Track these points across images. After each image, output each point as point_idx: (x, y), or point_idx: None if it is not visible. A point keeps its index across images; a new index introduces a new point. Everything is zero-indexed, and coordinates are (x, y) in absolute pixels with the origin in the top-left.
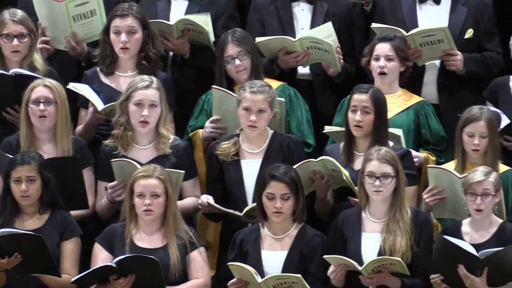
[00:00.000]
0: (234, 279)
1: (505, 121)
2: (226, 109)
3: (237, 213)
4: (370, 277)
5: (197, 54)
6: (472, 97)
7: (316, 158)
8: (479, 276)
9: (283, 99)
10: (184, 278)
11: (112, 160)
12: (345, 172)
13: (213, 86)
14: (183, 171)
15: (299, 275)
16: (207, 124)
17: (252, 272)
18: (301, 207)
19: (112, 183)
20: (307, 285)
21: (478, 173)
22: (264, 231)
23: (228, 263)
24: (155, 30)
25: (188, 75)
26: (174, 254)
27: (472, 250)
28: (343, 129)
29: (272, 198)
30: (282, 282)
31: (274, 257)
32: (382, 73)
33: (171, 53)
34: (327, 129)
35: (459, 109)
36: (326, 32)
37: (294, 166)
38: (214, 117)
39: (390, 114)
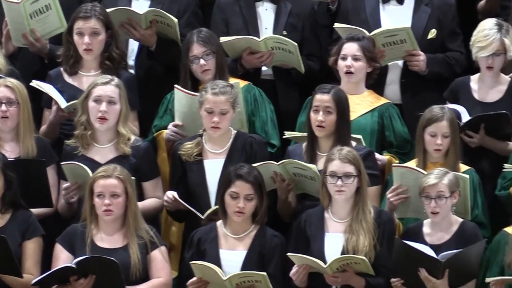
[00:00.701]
0: (194, 279)
1: (465, 117)
2: (189, 109)
3: (199, 214)
4: (334, 275)
5: (163, 47)
6: (435, 97)
7: (280, 158)
8: (440, 279)
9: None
10: (145, 277)
11: (62, 163)
12: (312, 166)
13: (175, 86)
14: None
15: (264, 273)
16: (169, 126)
17: (216, 270)
18: (264, 209)
19: (65, 185)
20: (270, 284)
21: (431, 176)
22: (223, 230)
23: (191, 262)
24: (123, 18)
25: (155, 73)
26: (135, 254)
27: (432, 253)
28: (303, 134)
29: (236, 197)
30: (246, 280)
31: (232, 257)
32: (348, 72)
33: (135, 53)
34: (287, 134)
35: (422, 109)
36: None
37: (255, 165)
38: (176, 122)
39: (354, 115)
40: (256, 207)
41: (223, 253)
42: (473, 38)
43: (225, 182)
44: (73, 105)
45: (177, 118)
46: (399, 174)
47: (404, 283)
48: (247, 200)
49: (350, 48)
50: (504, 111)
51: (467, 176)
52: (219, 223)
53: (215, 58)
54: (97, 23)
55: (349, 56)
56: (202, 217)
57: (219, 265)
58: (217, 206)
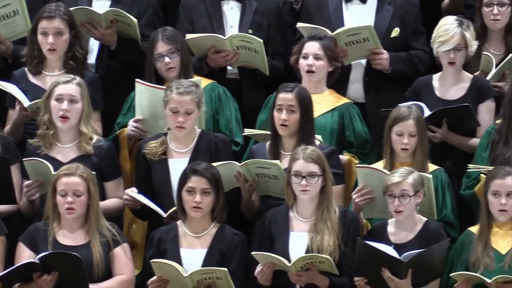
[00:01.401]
0: (154, 277)
1: (427, 112)
2: (149, 102)
3: (160, 212)
4: (298, 274)
5: (124, 46)
6: (398, 96)
7: (244, 156)
8: (403, 279)
9: None
10: (108, 275)
11: (24, 159)
12: (276, 162)
13: (136, 79)
14: None
15: (225, 269)
16: (130, 122)
17: (176, 267)
18: (221, 205)
19: (27, 182)
20: (231, 280)
21: (396, 175)
22: (183, 229)
23: (151, 260)
24: (84, 18)
25: (115, 72)
26: (97, 252)
27: (395, 254)
28: (263, 132)
29: (192, 193)
30: (207, 277)
31: (193, 255)
32: (310, 71)
33: (95, 52)
34: (247, 131)
35: (386, 108)
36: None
37: (217, 164)
38: (137, 117)
39: (315, 114)
40: (214, 203)
41: (184, 252)
42: (434, 35)
43: (181, 179)
44: (36, 104)
45: (137, 113)
46: (363, 174)
47: (368, 282)
48: (204, 195)
49: (312, 47)
50: (466, 104)
51: (430, 176)
52: (180, 222)
53: (180, 56)
54: (61, 23)
55: (311, 55)
56: (164, 215)
57: (180, 264)
58: None
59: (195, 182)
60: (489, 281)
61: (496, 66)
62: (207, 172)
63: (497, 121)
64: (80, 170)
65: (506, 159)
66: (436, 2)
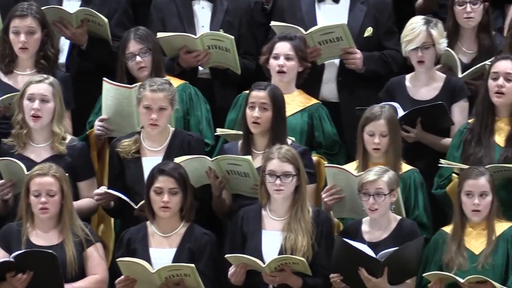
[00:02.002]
0: (122, 277)
1: (401, 112)
2: (115, 101)
3: (132, 204)
4: (272, 275)
5: (94, 46)
6: (372, 96)
7: (214, 154)
8: (379, 277)
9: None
10: (81, 275)
11: None
12: (246, 158)
13: (104, 78)
14: None
15: (193, 265)
16: (96, 122)
17: (143, 264)
18: (189, 204)
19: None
20: (198, 277)
21: (371, 173)
22: (152, 229)
23: (117, 259)
24: (55, 17)
25: (86, 71)
26: (71, 251)
27: (371, 253)
28: (235, 132)
29: (160, 193)
30: (175, 274)
31: (162, 255)
32: (281, 72)
33: (66, 51)
34: (219, 131)
35: (359, 107)
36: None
37: (188, 157)
38: (102, 117)
39: None
40: (182, 202)
41: (153, 252)
42: (402, 35)
43: (149, 180)
44: (7, 99)
45: (103, 112)
46: (331, 174)
47: (344, 279)
48: (172, 194)
49: (283, 47)
50: (440, 102)
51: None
52: (149, 222)
53: (152, 55)
54: (33, 21)
55: (282, 56)
56: (135, 207)
57: (150, 264)
58: None
59: (162, 182)
60: (462, 280)
61: (471, 65)
62: (174, 171)
63: (469, 120)
64: (53, 170)
65: (479, 159)
66: (410, 2)
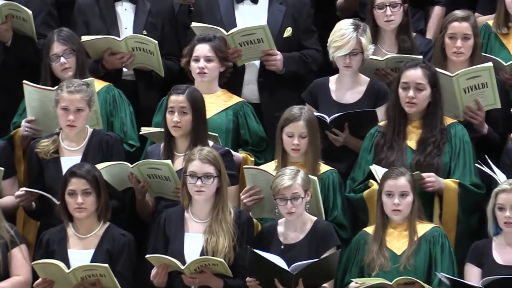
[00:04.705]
0: (39, 280)
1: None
2: (40, 103)
3: (54, 199)
4: (192, 276)
5: (19, 43)
6: (292, 96)
7: (141, 158)
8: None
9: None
10: (6, 276)
11: None
12: (166, 162)
13: (24, 81)
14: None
15: (107, 265)
16: (23, 123)
17: (58, 264)
18: (103, 204)
19: None
20: (114, 278)
21: (285, 178)
22: (71, 231)
23: (33, 263)
24: None
25: (10, 69)
26: None
27: (283, 265)
28: (159, 129)
29: (74, 195)
30: (90, 274)
31: (80, 256)
32: (201, 73)
33: None
34: (144, 130)
35: (280, 108)
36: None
37: (109, 164)
38: (29, 118)
39: (209, 114)
40: (96, 202)
41: (72, 253)
42: (330, 39)
43: (62, 184)
44: None
45: (29, 113)
46: (250, 175)
47: (260, 284)
48: (85, 195)
49: (202, 49)
50: (372, 109)
51: (315, 178)
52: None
53: (76, 56)
54: None
55: (202, 58)
56: (57, 202)
57: (68, 265)
58: None
59: (74, 184)
60: (390, 283)
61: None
62: (85, 173)
63: (381, 123)
64: None
65: (391, 163)
66: (331, 1)
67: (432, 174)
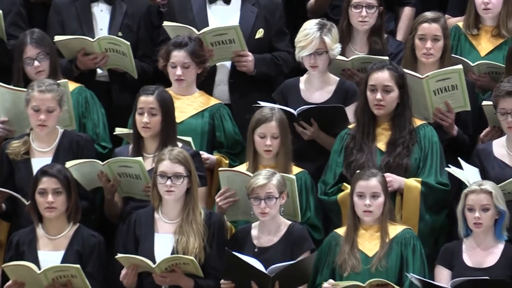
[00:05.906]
0: (9, 282)
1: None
2: (13, 104)
3: (23, 200)
4: (163, 275)
5: None
6: (263, 98)
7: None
8: None
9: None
10: None
11: None
12: (139, 159)
13: None
14: None
15: (78, 266)
16: None
17: (29, 266)
18: (73, 204)
19: None
20: (85, 278)
21: (260, 177)
22: (41, 232)
23: (3, 265)
24: None
25: None
26: None
27: (261, 267)
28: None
29: (44, 194)
30: (62, 275)
31: (50, 257)
32: (179, 80)
33: None
34: (118, 131)
35: (251, 109)
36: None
37: (79, 161)
38: (2, 118)
39: (185, 116)
40: (67, 202)
41: (42, 254)
42: (296, 39)
43: (33, 183)
44: None
45: (2, 114)
46: (225, 178)
47: (235, 286)
48: (56, 195)
49: (179, 56)
50: (340, 105)
51: (293, 177)
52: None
53: (49, 59)
54: None
55: (179, 66)
56: (26, 203)
57: (38, 267)
58: None
59: (45, 183)
60: (363, 285)
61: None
62: (57, 172)
63: (350, 126)
64: None
65: (361, 165)
66: (303, 3)
67: (389, 174)
